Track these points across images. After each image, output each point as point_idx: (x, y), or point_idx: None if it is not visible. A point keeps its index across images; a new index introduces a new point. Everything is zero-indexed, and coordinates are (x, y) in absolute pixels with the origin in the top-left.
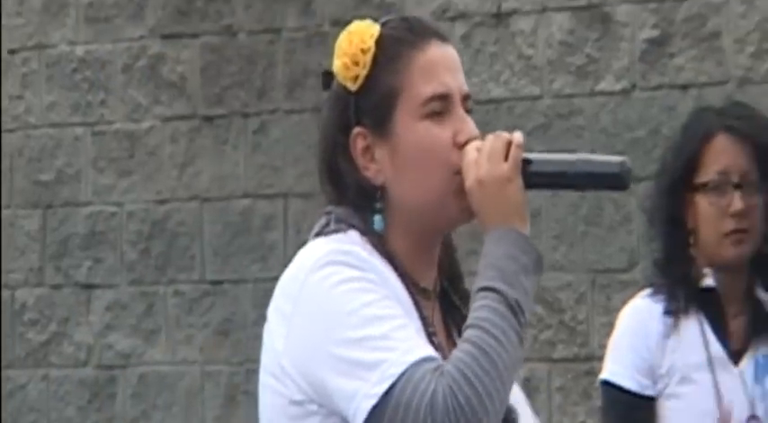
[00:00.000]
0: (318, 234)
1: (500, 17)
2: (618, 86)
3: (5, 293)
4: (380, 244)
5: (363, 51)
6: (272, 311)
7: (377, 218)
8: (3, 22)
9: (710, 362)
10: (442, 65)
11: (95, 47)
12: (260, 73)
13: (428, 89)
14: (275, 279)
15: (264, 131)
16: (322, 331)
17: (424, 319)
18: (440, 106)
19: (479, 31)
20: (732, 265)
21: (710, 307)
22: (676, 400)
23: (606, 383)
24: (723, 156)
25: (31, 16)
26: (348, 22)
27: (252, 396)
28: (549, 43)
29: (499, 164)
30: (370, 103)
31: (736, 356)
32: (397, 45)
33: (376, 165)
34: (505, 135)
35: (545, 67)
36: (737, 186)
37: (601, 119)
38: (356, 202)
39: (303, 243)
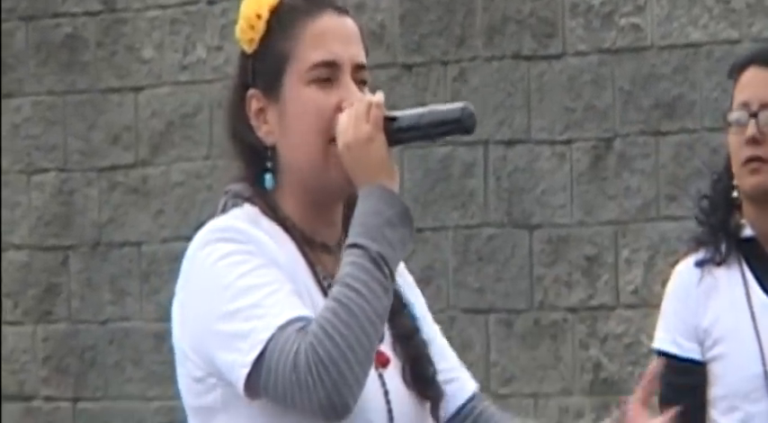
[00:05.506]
0: (222, 211)
1: None
2: None
3: None
4: (271, 210)
5: (258, 16)
6: (175, 298)
7: (267, 177)
8: None
9: (751, 308)
10: (333, 34)
11: None
12: (459, 20)
13: (315, 55)
14: (475, 226)
15: (464, 79)
16: (205, 309)
17: (316, 273)
18: (326, 73)
19: None
20: (752, 196)
21: (751, 254)
22: (720, 362)
23: (656, 352)
24: (747, 87)
25: None
26: None
27: (454, 341)
28: None
29: (361, 126)
30: (263, 67)
31: None
32: (291, 13)
33: (267, 126)
34: (368, 97)
35: (744, 10)
36: (753, 115)
37: None
38: (250, 161)
39: (503, 190)
